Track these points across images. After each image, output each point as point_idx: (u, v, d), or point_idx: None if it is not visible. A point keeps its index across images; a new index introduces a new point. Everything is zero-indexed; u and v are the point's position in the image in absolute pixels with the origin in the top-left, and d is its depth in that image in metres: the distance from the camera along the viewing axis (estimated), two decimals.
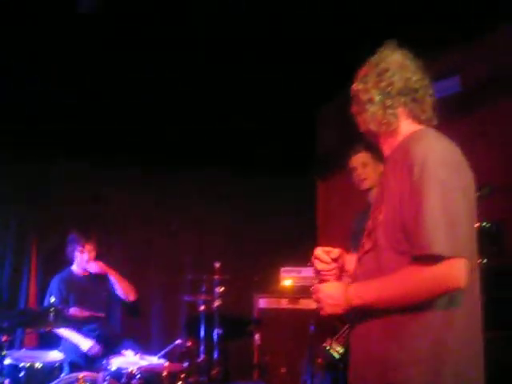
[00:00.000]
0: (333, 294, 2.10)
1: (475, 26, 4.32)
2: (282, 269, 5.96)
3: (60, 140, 5.51)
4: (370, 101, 2.14)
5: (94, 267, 5.13)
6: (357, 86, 2.20)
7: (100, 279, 5.22)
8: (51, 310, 3.80)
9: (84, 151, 5.67)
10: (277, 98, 5.84)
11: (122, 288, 5.22)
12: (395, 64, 2.15)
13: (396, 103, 2.13)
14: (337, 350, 3.77)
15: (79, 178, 5.84)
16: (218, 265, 4.86)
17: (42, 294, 5.50)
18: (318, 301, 2.14)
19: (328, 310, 2.11)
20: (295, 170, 6.24)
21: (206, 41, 4.90)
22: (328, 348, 3.80)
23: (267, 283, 5.93)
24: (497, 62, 4.44)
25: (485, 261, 3.08)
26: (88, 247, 5.10)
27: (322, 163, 6.78)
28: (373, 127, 2.16)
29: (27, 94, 5.28)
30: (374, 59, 2.20)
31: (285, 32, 4.74)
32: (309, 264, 5.78)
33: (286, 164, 6.23)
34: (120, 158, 5.79)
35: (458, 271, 1.83)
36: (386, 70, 2.14)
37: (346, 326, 3.57)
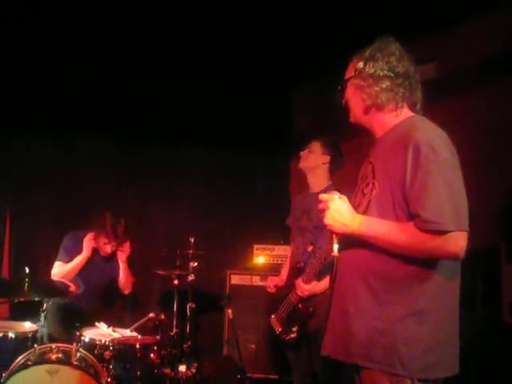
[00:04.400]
0: (343, 212, 2.16)
1: (451, 12, 4.38)
2: (255, 246, 6.04)
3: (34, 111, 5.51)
4: (384, 77, 2.25)
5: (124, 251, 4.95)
6: (365, 63, 2.29)
7: (109, 261, 5.08)
8: (25, 280, 3.81)
9: (56, 124, 5.64)
10: (255, 77, 5.84)
11: (125, 280, 5.08)
12: (398, 52, 2.29)
13: (402, 84, 2.26)
14: (276, 327, 4.11)
15: (53, 148, 5.86)
16: (192, 240, 4.90)
17: (16, 263, 5.51)
18: (325, 208, 2.19)
19: (330, 222, 2.18)
20: (270, 149, 6.29)
21: (184, 13, 4.88)
22: (271, 323, 4.14)
23: (240, 260, 6.01)
24: (472, 49, 4.52)
25: None
26: (113, 243, 4.91)
27: (297, 142, 6.83)
28: (382, 101, 2.26)
29: None
30: (376, 45, 2.32)
31: (265, 11, 4.74)
32: (281, 242, 5.89)
33: (260, 142, 6.26)
34: (94, 133, 5.79)
35: (457, 242, 1.98)
36: (393, 54, 2.27)
37: (286, 305, 3.95)
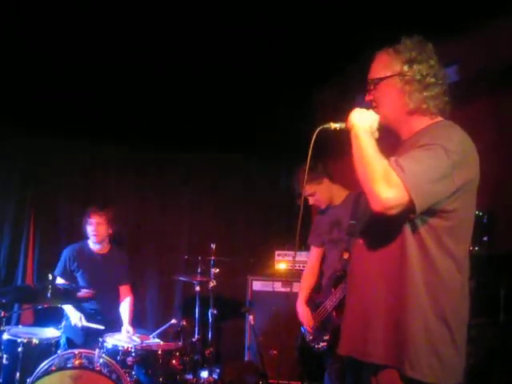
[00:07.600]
0: (372, 116, 2.27)
1: (472, 15, 4.34)
2: (277, 252, 6.03)
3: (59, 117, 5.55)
4: (434, 83, 2.21)
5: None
6: (410, 66, 2.22)
7: (114, 260, 5.20)
8: (48, 286, 3.83)
9: (82, 130, 5.67)
10: (275, 80, 5.79)
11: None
12: (433, 53, 2.25)
13: (446, 91, 2.24)
14: (308, 335, 4.11)
15: (78, 154, 5.93)
16: (213, 246, 4.92)
17: (40, 270, 5.57)
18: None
19: (357, 111, 2.28)
20: (292, 153, 6.26)
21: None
22: (303, 331, 4.12)
23: (262, 266, 6.01)
24: (495, 52, 4.47)
25: (476, 248, 3.14)
26: (96, 218, 5.01)
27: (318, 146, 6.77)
28: (428, 107, 2.22)
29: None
30: (415, 45, 2.26)
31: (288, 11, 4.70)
32: (302, 248, 5.85)
33: (282, 147, 6.20)
34: (116, 138, 5.85)
35: (399, 199, 1.98)
36: (431, 58, 2.24)
37: (321, 313, 3.96)
